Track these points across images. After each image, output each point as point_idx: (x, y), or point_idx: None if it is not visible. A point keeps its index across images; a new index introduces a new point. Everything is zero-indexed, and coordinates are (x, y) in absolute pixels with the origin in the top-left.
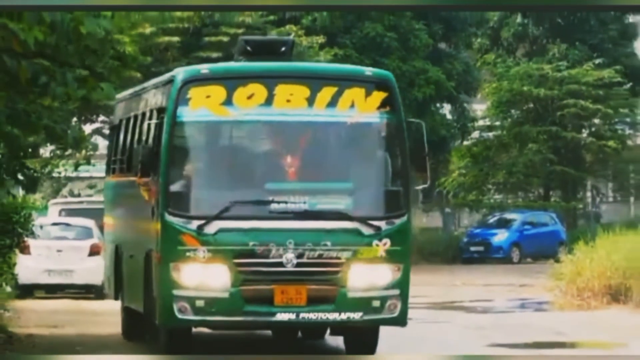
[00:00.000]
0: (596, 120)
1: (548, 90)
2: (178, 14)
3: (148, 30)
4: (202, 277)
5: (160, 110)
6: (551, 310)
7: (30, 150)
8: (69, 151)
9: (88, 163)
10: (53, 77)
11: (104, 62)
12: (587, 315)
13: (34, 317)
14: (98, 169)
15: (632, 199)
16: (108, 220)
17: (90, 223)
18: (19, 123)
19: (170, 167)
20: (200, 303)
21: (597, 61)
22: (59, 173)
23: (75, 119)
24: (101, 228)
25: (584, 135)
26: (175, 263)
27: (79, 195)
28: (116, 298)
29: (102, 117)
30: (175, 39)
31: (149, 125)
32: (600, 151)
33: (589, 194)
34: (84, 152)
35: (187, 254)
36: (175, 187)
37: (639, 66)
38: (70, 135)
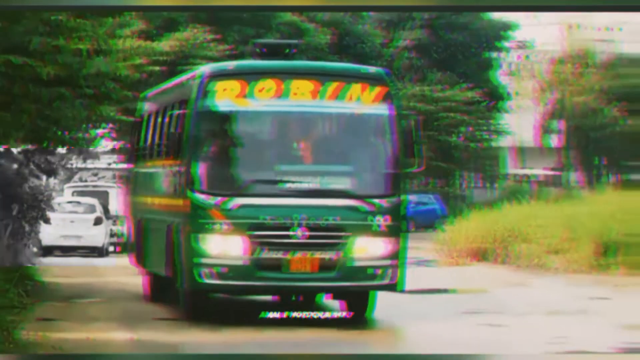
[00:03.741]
0: (463, 128)
1: (428, 105)
2: (164, 48)
3: (138, 62)
4: (223, 246)
5: (187, 102)
6: (435, 266)
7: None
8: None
9: (94, 157)
10: (64, 102)
11: (106, 83)
12: (459, 270)
13: (54, 269)
14: (100, 162)
15: (488, 185)
16: (133, 200)
17: (94, 201)
18: (39, 135)
19: (196, 151)
20: (221, 269)
21: (463, 85)
22: (72, 164)
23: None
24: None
25: (454, 138)
26: (200, 234)
27: (86, 181)
28: (138, 265)
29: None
30: (157, 68)
31: (177, 114)
32: (466, 150)
33: (458, 182)
34: (90, 149)
35: (211, 226)
36: (200, 168)
37: (493, 89)
38: (77, 144)
